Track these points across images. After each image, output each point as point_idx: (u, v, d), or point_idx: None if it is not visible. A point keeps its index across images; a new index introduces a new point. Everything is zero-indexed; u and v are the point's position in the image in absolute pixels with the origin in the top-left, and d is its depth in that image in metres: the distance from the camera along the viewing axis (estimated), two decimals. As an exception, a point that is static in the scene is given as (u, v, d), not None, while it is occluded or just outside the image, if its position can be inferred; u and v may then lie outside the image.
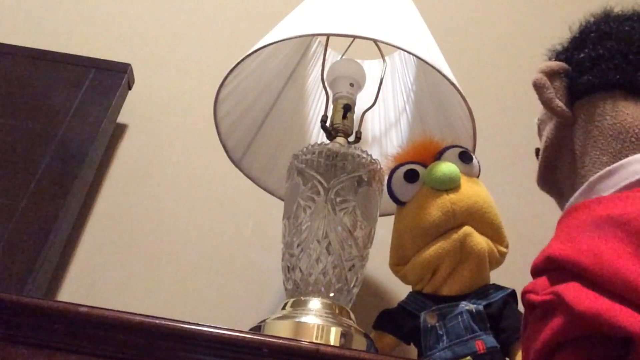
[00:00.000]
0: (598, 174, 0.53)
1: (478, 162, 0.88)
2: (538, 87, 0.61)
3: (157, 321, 0.67)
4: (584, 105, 0.60)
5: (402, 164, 0.87)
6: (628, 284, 0.39)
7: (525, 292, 0.49)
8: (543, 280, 0.46)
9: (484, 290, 0.81)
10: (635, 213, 0.43)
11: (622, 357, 0.40)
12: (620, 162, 0.52)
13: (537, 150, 0.69)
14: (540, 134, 0.69)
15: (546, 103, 0.61)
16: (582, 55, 0.60)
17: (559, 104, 0.61)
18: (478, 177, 0.88)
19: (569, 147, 0.62)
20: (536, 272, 0.49)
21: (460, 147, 0.88)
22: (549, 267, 0.47)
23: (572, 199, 0.57)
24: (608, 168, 0.53)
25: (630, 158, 0.52)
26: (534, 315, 0.47)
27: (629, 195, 0.48)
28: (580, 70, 0.60)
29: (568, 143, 0.62)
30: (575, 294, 0.42)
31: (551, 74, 0.61)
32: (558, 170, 0.65)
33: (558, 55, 0.64)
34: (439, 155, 0.86)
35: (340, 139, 0.92)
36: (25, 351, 0.66)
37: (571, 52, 0.62)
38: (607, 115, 0.57)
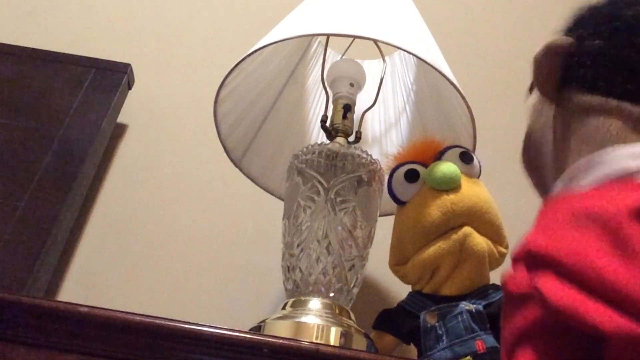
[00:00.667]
0: (577, 163, 0.54)
1: (479, 162, 0.88)
2: (536, 64, 0.62)
3: (157, 321, 0.67)
4: (572, 95, 0.60)
5: (402, 164, 0.87)
6: (604, 282, 0.40)
7: (504, 282, 0.49)
8: (521, 271, 0.47)
9: (484, 290, 0.81)
10: (611, 210, 0.44)
11: (593, 354, 0.40)
12: (600, 157, 0.52)
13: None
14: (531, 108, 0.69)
15: (538, 82, 0.62)
16: (593, 44, 0.59)
17: (549, 88, 0.61)
18: (479, 177, 0.88)
19: (553, 130, 0.62)
20: (515, 261, 0.49)
21: (461, 147, 0.88)
22: (528, 259, 0.47)
23: (554, 187, 0.57)
24: (588, 157, 0.53)
25: (610, 154, 0.52)
26: (510, 305, 0.48)
27: (606, 192, 0.48)
28: (582, 61, 0.59)
29: (553, 126, 0.62)
30: (551, 287, 0.42)
31: (554, 52, 0.61)
32: (541, 150, 0.65)
33: (575, 27, 0.62)
34: (439, 155, 0.86)
35: (340, 139, 0.92)
36: (25, 351, 0.66)
37: (587, 32, 0.60)
38: (595, 110, 0.57)
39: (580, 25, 0.62)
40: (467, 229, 0.81)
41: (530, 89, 0.67)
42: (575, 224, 0.45)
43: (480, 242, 0.81)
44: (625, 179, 0.49)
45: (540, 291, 0.43)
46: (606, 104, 0.57)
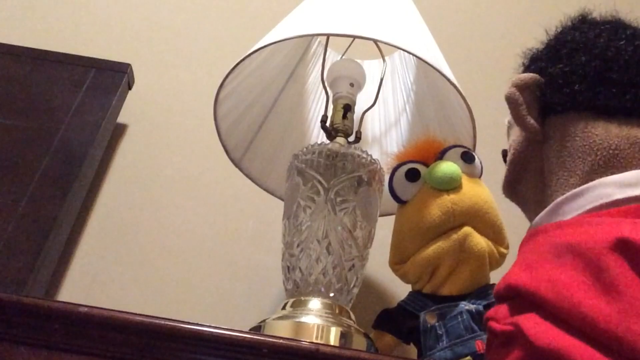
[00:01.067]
0: (564, 195, 0.53)
1: (480, 162, 0.88)
2: (510, 102, 0.61)
3: (157, 321, 0.67)
4: (555, 123, 0.60)
5: (403, 163, 0.87)
6: (585, 319, 0.40)
7: (487, 319, 0.49)
8: (504, 308, 0.47)
9: (484, 290, 0.81)
10: (592, 242, 0.43)
11: None
12: (585, 186, 0.52)
13: (504, 153, 0.69)
14: (508, 136, 0.69)
15: (518, 119, 0.61)
16: (555, 69, 0.59)
17: (531, 121, 0.60)
18: (480, 177, 0.88)
19: (536, 164, 0.62)
20: (498, 298, 0.49)
21: (463, 147, 0.88)
22: (510, 295, 0.47)
23: (537, 219, 0.57)
24: (573, 191, 0.53)
25: (595, 182, 0.52)
26: (495, 343, 0.47)
27: (587, 222, 0.47)
28: (552, 86, 0.59)
29: (536, 160, 0.62)
30: (534, 327, 0.42)
31: (524, 88, 0.61)
32: (523, 184, 0.64)
33: (532, 63, 0.63)
34: (440, 155, 0.86)
35: (340, 139, 0.92)
36: (25, 351, 0.66)
37: (545, 63, 0.61)
38: (577, 137, 0.57)
39: (534, 62, 0.63)
40: (467, 229, 0.81)
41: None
42: (556, 258, 0.45)
43: (480, 242, 0.81)
44: (609, 209, 0.48)
45: (521, 329, 0.42)
46: (587, 126, 0.57)
